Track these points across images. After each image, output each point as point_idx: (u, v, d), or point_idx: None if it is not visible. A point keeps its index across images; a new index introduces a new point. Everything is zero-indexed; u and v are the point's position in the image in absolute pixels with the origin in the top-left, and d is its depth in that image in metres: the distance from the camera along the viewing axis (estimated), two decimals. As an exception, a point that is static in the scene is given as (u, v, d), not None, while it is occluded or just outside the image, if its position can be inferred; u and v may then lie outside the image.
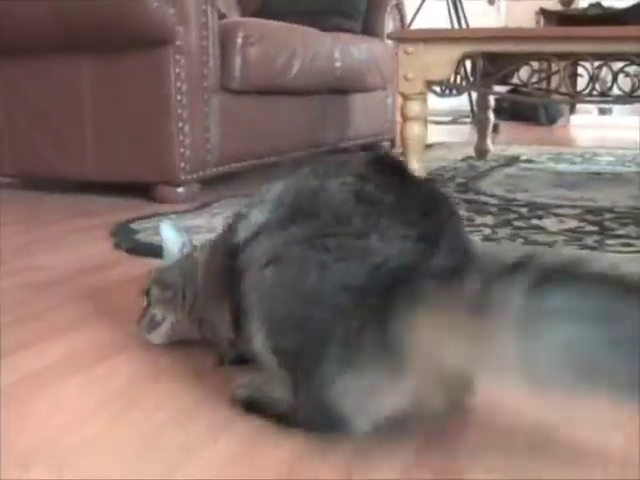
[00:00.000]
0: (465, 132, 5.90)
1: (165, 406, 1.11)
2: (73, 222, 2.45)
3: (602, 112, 7.13)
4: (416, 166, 2.93)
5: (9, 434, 1.03)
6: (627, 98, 3.04)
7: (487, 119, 3.99)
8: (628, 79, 3.00)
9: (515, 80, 3.63)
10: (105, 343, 1.37)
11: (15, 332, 1.43)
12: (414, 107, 2.84)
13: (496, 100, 4.35)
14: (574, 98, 3.47)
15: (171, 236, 1.36)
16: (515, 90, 4.04)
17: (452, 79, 3.18)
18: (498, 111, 4.60)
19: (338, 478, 0.90)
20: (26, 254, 2.03)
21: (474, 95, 5.23)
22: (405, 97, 2.85)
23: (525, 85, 3.40)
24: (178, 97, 2.65)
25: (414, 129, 2.87)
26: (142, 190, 2.77)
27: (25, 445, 1.00)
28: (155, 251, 1.99)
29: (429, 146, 4.00)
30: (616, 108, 7.06)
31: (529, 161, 3.97)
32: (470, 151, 4.12)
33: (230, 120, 2.88)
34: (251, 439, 1.00)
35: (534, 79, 3.29)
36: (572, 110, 7.11)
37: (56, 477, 0.92)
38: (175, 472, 0.93)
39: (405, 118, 2.88)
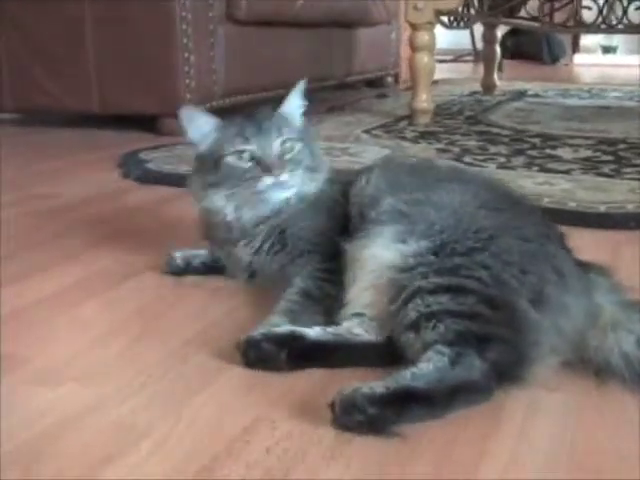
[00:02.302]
0: (466, 70, 5.83)
1: (183, 328, 1.09)
2: (78, 155, 2.41)
3: (606, 51, 7.02)
4: (424, 98, 2.88)
5: (34, 353, 1.00)
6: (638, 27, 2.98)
7: (494, 53, 3.92)
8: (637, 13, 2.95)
9: (522, 14, 3.56)
10: (119, 268, 1.34)
11: (27, 257, 1.40)
12: (423, 37, 2.77)
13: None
14: (583, 28, 3.40)
15: None
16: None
17: (461, 10, 3.12)
18: (501, 49, 4.51)
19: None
20: (30, 185, 1.99)
21: (477, 32, 5.14)
22: (414, 27, 2.78)
23: (534, 18, 3.34)
24: (183, 27, 2.58)
25: (423, 59, 2.80)
26: (147, 123, 2.72)
27: (52, 363, 0.98)
28: (166, 179, 1.96)
29: (434, 82, 3.93)
30: (620, 47, 6.95)
31: (536, 95, 3.91)
32: (475, 87, 4.06)
33: (236, 51, 2.81)
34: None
35: (542, 12, 3.23)
36: (575, 49, 7.01)
37: (85, 390, 0.91)
38: (198, 392, 0.91)
39: (414, 48, 2.81)
